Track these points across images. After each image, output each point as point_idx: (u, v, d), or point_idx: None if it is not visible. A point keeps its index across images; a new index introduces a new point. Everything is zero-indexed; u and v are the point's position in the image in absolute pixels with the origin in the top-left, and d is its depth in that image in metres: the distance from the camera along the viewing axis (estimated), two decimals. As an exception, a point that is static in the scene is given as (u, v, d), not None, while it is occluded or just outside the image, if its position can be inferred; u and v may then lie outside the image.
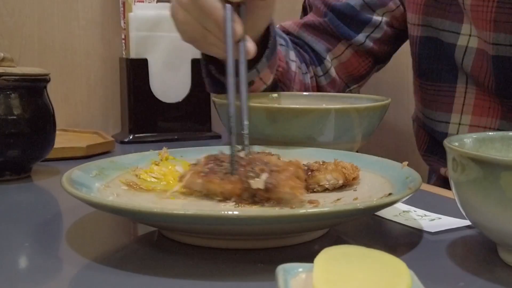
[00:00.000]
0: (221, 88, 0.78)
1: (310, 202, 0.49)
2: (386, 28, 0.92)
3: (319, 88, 0.94)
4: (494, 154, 0.45)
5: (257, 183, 0.46)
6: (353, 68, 0.94)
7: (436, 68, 0.82)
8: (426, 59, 0.83)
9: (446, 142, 0.41)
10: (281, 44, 0.85)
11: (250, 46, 0.65)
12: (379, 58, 0.95)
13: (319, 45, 0.93)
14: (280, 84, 0.85)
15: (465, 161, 0.38)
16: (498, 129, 0.77)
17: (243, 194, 0.48)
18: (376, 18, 0.91)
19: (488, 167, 0.36)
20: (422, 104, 0.86)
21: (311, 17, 0.95)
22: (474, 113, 0.79)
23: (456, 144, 0.43)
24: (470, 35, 0.76)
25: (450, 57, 0.79)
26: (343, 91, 0.96)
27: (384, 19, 0.91)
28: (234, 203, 0.48)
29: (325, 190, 0.53)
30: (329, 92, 0.93)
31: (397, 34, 0.93)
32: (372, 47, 0.92)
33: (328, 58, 0.93)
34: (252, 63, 0.74)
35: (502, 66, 0.73)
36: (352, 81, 0.96)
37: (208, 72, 0.80)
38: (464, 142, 0.45)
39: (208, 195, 0.50)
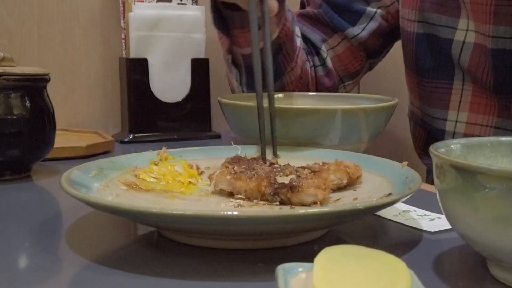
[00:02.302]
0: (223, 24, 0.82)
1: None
2: (381, 21, 0.93)
3: (316, 78, 0.95)
4: (482, 161, 0.43)
5: (283, 179, 0.48)
6: (348, 62, 0.95)
7: (433, 65, 0.82)
8: (423, 56, 0.83)
9: (431, 149, 0.39)
10: (288, 10, 0.87)
11: (273, 4, 0.67)
12: (372, 52, 0.97)
13: (315, 35, 0.94)
14: (283, 52, 0.85)
15: (451, 170, 0.35)
16: (495, 127, 0.77)
17: (267, 190, 0.48)
18: (370, 9, 0.92)
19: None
20: (420, 101, 0.86)
21: (307, 9, 0.97)
22: (471, 111, 0.78)
23: (442, 150, 0.41)
24: (467, 30, 0.76)
25: (447, 53, 0.79)
26: (338, 87, 0.97)
27: (379, 11, 0.92)
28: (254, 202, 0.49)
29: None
30: (325, 84, 0.94)
31: (392, 30, 0.94)
32: (366, 40, 0.93)
33: (323, 48, 0.94)
34: None
35: (502, 59, 0.73)
36: (346, 76, 0.97)
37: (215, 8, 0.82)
38: (451, 148, 0.42)
39: (233, 193, 0.51)
